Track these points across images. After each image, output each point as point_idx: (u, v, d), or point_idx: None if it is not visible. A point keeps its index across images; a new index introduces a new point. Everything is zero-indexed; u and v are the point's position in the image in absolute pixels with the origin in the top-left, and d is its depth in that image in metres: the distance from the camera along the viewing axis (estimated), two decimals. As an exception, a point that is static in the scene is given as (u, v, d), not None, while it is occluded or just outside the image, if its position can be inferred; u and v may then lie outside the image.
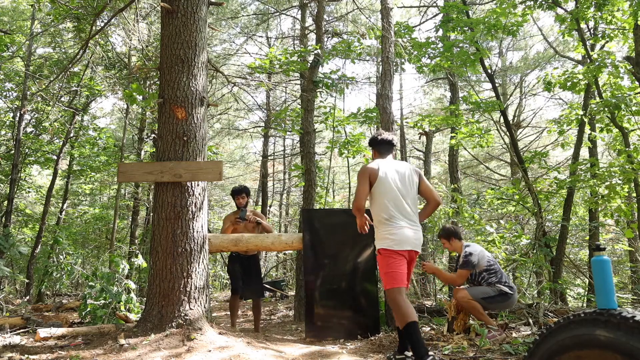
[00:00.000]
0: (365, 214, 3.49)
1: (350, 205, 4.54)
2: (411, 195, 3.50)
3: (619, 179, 6.22)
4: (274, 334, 5.07)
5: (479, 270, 4.50)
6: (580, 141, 7.96)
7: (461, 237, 4.74)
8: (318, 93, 7.72)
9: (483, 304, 4.35)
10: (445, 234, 4.68)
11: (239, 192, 5.28)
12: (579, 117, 7.44)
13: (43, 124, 11.95)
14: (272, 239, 4.98)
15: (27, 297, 9.79)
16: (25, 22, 11.47)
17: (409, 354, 3.32)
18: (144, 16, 9.00)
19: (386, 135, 3.71)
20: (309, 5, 9.85)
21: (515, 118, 13.90)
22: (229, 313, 6.48)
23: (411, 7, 13.36)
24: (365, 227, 3.50)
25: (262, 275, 12.60)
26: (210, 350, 3.37)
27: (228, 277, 4.95)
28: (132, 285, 5.34)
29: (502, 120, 8.61)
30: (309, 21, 9.99)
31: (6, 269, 6.75)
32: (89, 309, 5.00)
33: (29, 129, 11.77)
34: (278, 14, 12.36)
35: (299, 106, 9.43)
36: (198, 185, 4.18)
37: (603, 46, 7.65)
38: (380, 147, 3.68)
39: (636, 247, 8.99)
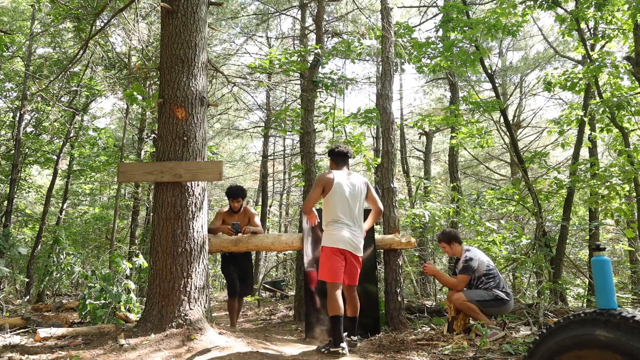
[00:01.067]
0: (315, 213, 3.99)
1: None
2: (358, 205, 3.97)
3: (619, 179, 6.22)
4: (274, 334, 5.07)
5: (478, 275, 4.50)
6: (580, 141, 7.96)
7: (461, 240, 4.73)
8: (318, 93, 7.71)
9: (478, 306, 4.35)
10: (446, 238, 4.67)
11: (234, 196, 5.17)
12: (579, 117, 7.44)
13: (43, 124, 11.95)
14: (272, 239, 4.99)
15: (27, 297, 9.79)
16: (25, 22, 11.47)
17: (344, 345, 3.64)
18: (144, 16, 8.99)
19: (342, 148, 4.17)
20: (309, 5, 9.85)
21: (515, 118, 13.90)
22: (229, 313, 6.49)
23: (411, 7, 13.36)
24: (314, 222, 3.99)
25: (262, 275, 12.68)
26: (210, 350, 3.37)
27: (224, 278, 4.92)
28: (132, 286, 5.34)
29: (502, 120, 8.61)
30: (309, 21, 9.99)
31: (6, 269, 6.75)
32: (88, 309, 4.99)
33: (29, 129, 11.77)
34: (278, 14, 12.36)
35: (299, 106, 9.43)
36: (198, 185, 4.18)
37: (603, 46, 7.64)
38: (337, 158, 4.14)
39: (636, 247, 8.99)
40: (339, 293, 3.75)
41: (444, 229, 4.92)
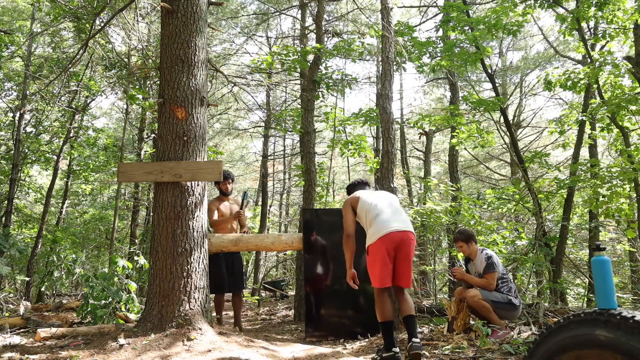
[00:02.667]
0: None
1: None
2: (388, 201, 3.82)
3: (619, 179, 6.22)
4: (274, 334, 5.07)
5: (497, 277, 4.50)
6: (581, 141, 7.95)
7: (477, 241, 4.73)
8: (319, 93, 7.71)
9: (489, 302, 4.36)
10: (464, 237, 4.63)
11: (225, 178, 5.24)
12: (579, 118, 7.44)
13: (43, 124, 11.94)
14: (272, 239, 4.98)
15: (24, 297, 9.78)
16: (25, 22, 11.47)
17: (396, 349, 3.43)
18: (144, 16, 8.99)
19: (357, 179, 4.27)
20: (309, 5, 9.84)
21: (515, 118, 13.90)
22: (229, 313, 6.48)
23: (411, 7, 13.36)
24: (354, 283, 3.83)
25: (262, 275, 12.67)
26: (210, 350, 3.37)
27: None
28: (133, 285, 5.33)
29: (502, 120, 8.61)
30: (309, 21, 9.99)
31: (6, 267, 6.75)
32: (89, 309, 4.99)
33: (29, 129, 11.77)
34: (278, 13, 12.36)
35: (299, 106, 9.42)
36: (198, 185, 4.18)
37: (604, 46, 7.64)
38: (356, 187, 4.16)
39: (637, 247, 8.98)
40: (385, 297, 3.56)
41: (461, 228, 4.90)
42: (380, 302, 3.55)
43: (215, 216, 5.24)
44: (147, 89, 9.84)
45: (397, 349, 3.40)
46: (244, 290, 11.06)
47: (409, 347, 3.37)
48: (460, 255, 6.71)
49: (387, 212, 3.68)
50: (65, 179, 13.49)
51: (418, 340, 3.40)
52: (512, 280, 4.63)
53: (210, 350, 3.37)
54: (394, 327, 3.54)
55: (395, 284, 3.62)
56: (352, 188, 4.19)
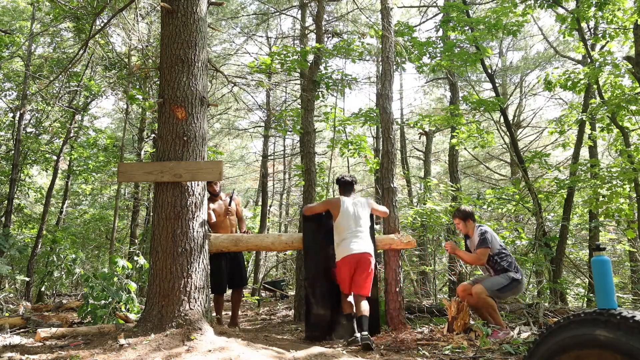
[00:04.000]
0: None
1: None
2: (362, 220, 4.56)
3: (619, 179, 6.22)
4: (274, 334, 5.07)
5: (492, 253, 4.55)
6: (581, 141, 7.95)
7: (475, 220, 4.82)
8: (319, 93, 7.71)
9: (497, 295, 4.41)
10: (462, 215, 4.74)
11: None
12: (579, 119, 7.44)
13: (43, 124, 11.94)
14: (272, 239, 4.98)
15: (24, 297, 9.78)
16: (25, 22, 11.46)
17: (357, 335, 4.22)
18: (144, 16, 8.99)
19: (347, 177, 4.87)
20: (309, 5, 9.84)
21: (515, 118, 13.90)
22: (229, 313, 6.48)
23: (411, 7, 13.36)
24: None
25: (262, 275, 12.67)
26: (210, 351, 3.37)
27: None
28: (133, 285, 5.33)
29: (502, 120, 8.61)
30: (309, 21, 9.99)
31: (7, 267, 6.75)
32: (89, 309, 4.99)
33: (29, 129, 11.76)
34: (278, 14, 12.36)
35: (299, 106, 9.42)
36: (198, 185, 4.18)
37: (603, 46, 7.64)
38: (343, 186, 4.80)
39: (637, 247, 8.98)
40: (347, 298, 4.50)
41: (461, 207, 4.98)
42: (343, 301, 4.55)
43: (213, 219, 5.25)
44: (147, 89, 9.83)
45: (358, 335, 4.19)
46: (244, 290, 11.09)
47: (360, 339, 4.12)
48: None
49: (351, 237, 4.47)
50: (65, 179, 13.49)
51: (365, 333, 4.13)
52: (509, 253, 4.68)
53: (210, 350, 3.37)
54: (353, 319, 4.41)
55: (355, 292, 4.46)
56: (339, 184, 4.85)
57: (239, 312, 5.73)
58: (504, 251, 4.60)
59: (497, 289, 4.39)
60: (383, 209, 4.93)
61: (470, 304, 4.48)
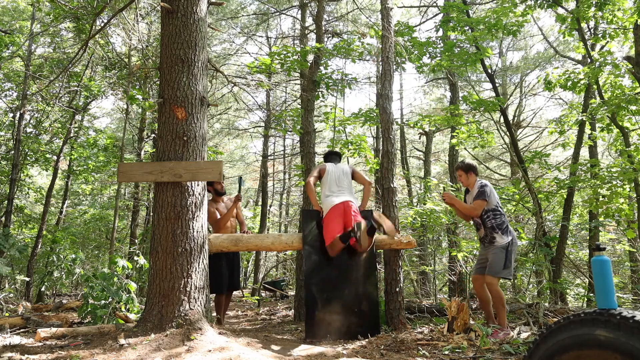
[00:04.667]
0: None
1: None
2: (346, 180, 5.04)
3: (619, 180, 6.22)
4: (273, 334, 5.07)
5: (487, 209, 4.59)
6: (581, 141, 7.95)
7: (478, 174, 4.87)
8: (319, 93, 7.71)
9: (505, 273, 4.45)
10: (464, 167, 4.80)
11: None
12: (579, 119, 7.44)
13: (43, 124, 11.94)
14: (272, 239, 4.98)
15: (24, 297, 9.79)
16: (25, 23, 11.46)
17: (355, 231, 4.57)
18: (144, 16, 8.99)
19: (331, 150, 5.68)
20: (309, 5, 9.84)
21: (515, 118, 13.89)
22: (229, 313, 6.49)
23: (411, 7, 13.35)
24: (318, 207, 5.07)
25: (262, 275, 12.67)
26: (210, 351, 3.37)
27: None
28: (133, 285, 5.33)
29: (502, 120, 8.61)
30: (309, 21, 9.99)
31: (6, 267, 6.74)
32: (89, 309, 4.99)
33: (29, 129, 11.76)
34: (278, 13, 12.36)
35: (299, 106, 9.42)
36: (198, 185, 4.18)
37: (603, 46, 7.64)
38: (329, 156, 5.34)
39: (636, 247, 8.98)
40: (336, 242, 4.67)
41: (464, 159, 5.03)
42: (332, 246, 4.70)
43: (218, 216, 5.28)
44: (147, 89, 9.83)
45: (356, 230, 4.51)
46: (243, 291, 11.09)
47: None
48: (460, 256, 6.71)
49: (333, 194, 4.91)
50: (65, 179, 13.48)
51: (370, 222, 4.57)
52: (504, 212, 4.73)
53: (210, 350, 3.37)
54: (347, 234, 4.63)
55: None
56: (326, 157, 5.38)
57: (239, 313, 5.73)
58: (499, 209, 4.64)
59: (503, 267, 4.43)
60: (364, 175, 5.20)
61: (481, 298, 4.53)
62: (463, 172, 4.80)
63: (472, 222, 4.93)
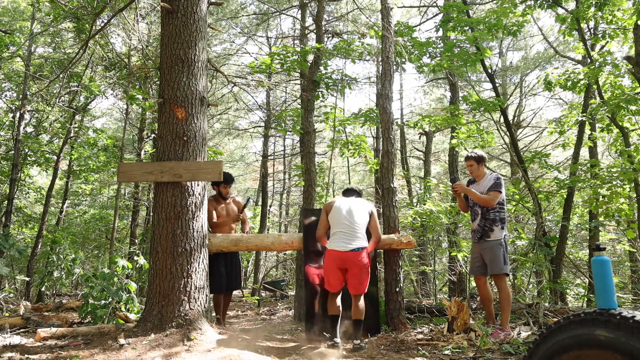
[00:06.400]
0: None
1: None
2: (356, 219, 4.35)
3: (619, 180, 6.22)
4: (273, 334, 5.07)
5: (498, 201, 4.62)
6: (581, 141, 7.95)
7: (487, 165, 4.91)
8: (319, 93, 7.71)
9: (507, 269, 4.49)
10: (477, 157, 4.83)
11: (228, 182, 5.22)
12: (579, 119, 7.43)
13: (43, 124, 11.94)
14: (272, 239, 4.98)
15: (24, 297, 9.78)
16: (25, 23, 11.46)
17: (337, 340, 4.09)
18: (144, 16, 8.99)
19: (351, 185, 4.87)
20: (309, 5, 9.84)
21: (515, 118, 13.89)
22: (229, 313, 6.49)
23: (411, 7, 13.35)
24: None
25: (262, 275, 12.68)
26: (210, 350, 3.37)
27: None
28: (133, 285, 5.33)
29: (502, 120, 8.60)
30: (309, 21, 9.99)
31: (6, 268, 6.74)
32: (89, 309, 4.99)
33: (29, 129, 11.76)
34: (278, 13, 12.36)
35: (299, 106, 9.42)
36: (198, 185, 4.18)
37: (603, 46, 7.64)
38: (345, 192, 4.76)
39: (637, 247, 8.98)
40: (333, 298, 4.30)
41: (475, 150, 5.07)
42: (329, 300, 4.34)
43: (214, 218, 5.21)
44: (147, 89, 9.83)
45: (338, 340, 4.07)
46: (243, 291, 11.08)
47: (353, 348, 4.02)
48: (460, 256, 6.71)
49: (340, 233, 4.30)
50: (65, 179, 13.48)
51: (358, 341, 4.05)
52: (506, 212, 4.78)
53: (210, 350, 3.37)
54: (337, 322, 4.23)
55: (350, 292, 4.28)
56: (343, 192, 4.85)
57: (239, 312, 5.73)
58: (504, 205, 4.69)
59: (505, 261, 4.46)
60: (378, 227, 4.58)
61: (485, 296, 4.57)
62: (475, 162, 4.82)
63: (469, 212, 4.93)
